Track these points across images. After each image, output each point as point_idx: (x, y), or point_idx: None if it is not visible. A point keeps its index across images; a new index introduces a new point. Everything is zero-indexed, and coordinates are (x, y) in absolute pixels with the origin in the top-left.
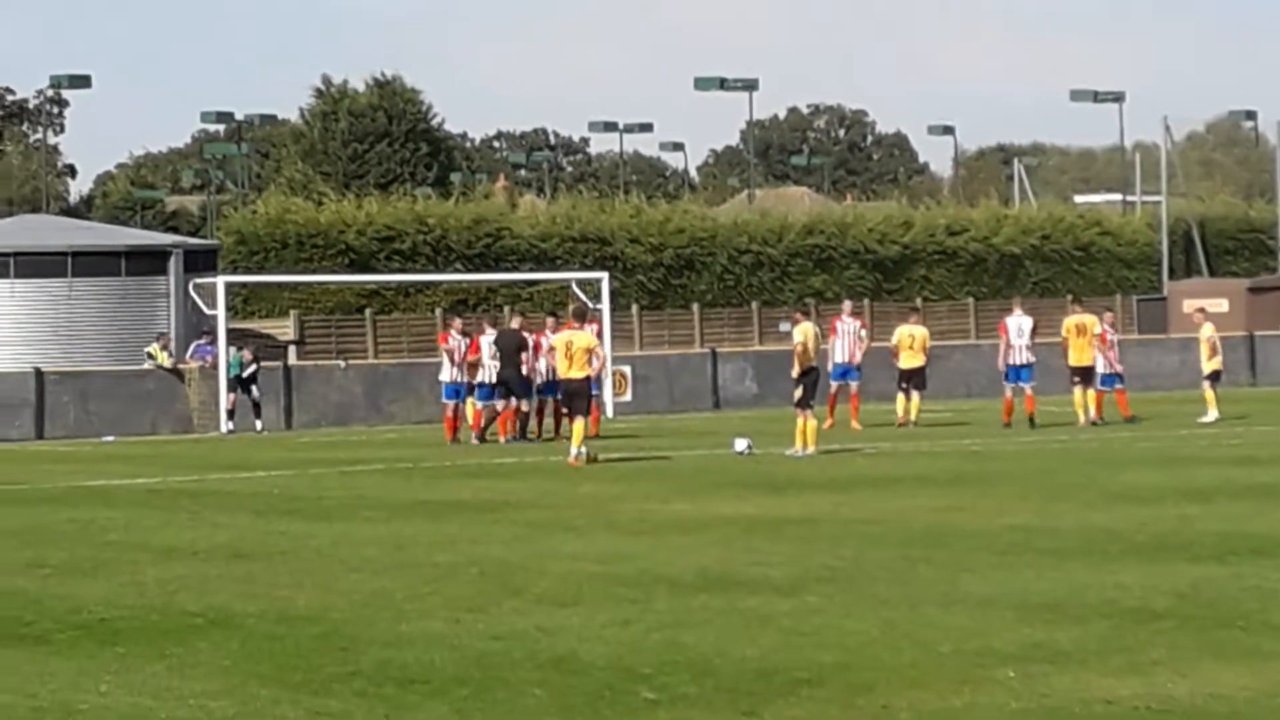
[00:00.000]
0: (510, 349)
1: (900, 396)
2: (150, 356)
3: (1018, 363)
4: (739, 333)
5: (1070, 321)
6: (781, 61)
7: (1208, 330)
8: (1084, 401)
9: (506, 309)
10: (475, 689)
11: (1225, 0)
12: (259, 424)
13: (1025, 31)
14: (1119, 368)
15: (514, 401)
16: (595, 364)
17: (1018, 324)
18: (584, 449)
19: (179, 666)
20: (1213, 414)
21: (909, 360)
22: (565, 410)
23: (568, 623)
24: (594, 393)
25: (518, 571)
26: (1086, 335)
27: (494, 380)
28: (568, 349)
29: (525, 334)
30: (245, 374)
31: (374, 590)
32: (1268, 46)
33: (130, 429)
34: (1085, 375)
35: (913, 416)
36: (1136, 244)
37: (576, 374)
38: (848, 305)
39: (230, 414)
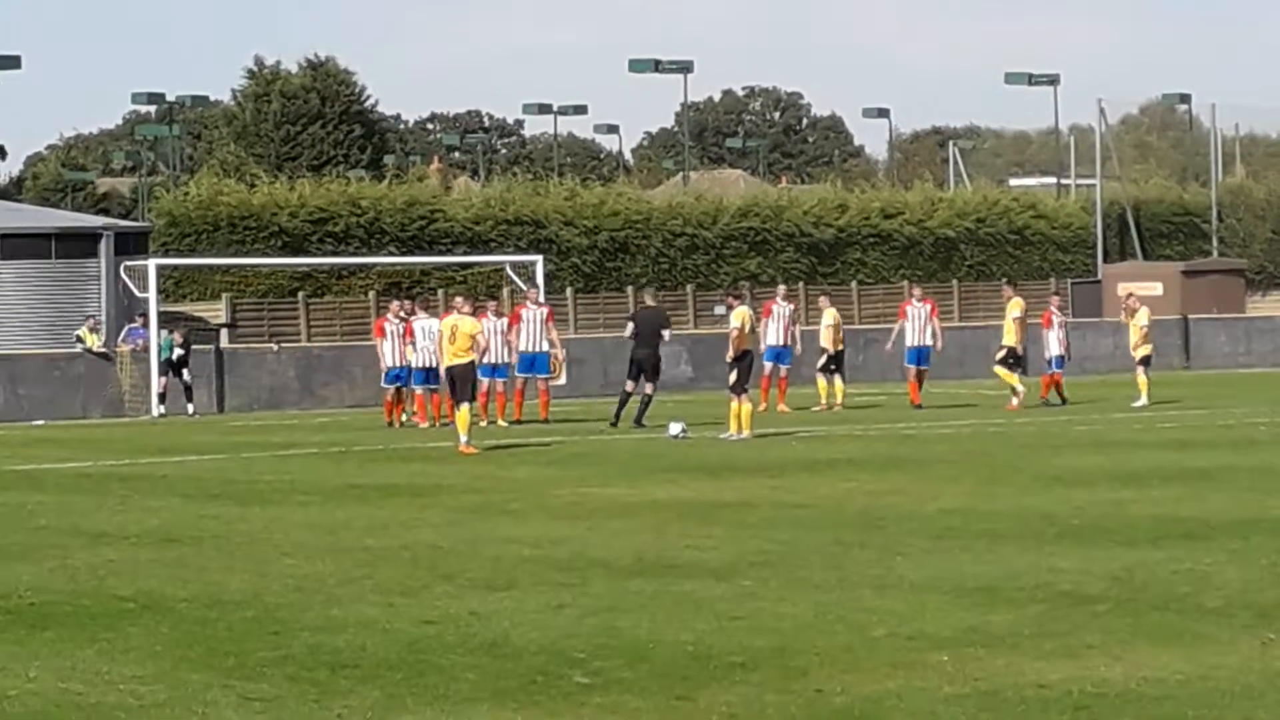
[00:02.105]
0: (650, 329)
1: (832, 380)
2: (79, 340)
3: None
4: (673, 316)
5: (1020, 303)
6: (716, 44)
7: (1144, 317)
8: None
9: (441, 291)
10: (407, 673)
11: None
12: (191, 408)
13: (960, 14)
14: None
15: (641, 384)
16: (477, 350)
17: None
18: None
19: (109, 651)
20: (1144, 399)
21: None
22: (452, 395)
23: (501, 607)
24: (545, 375)
25: (451, 556)
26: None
27: (429, 365)
28: (452, 333)
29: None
30: (176, 357)
31: (306, 575)
32: (1202, 29)
33: (60, 413)
34: (1020, 358)
35: (839, 400)
36: (1071, 227)
37: (460, 359)
38: (782, 289)
39: (162, 398)
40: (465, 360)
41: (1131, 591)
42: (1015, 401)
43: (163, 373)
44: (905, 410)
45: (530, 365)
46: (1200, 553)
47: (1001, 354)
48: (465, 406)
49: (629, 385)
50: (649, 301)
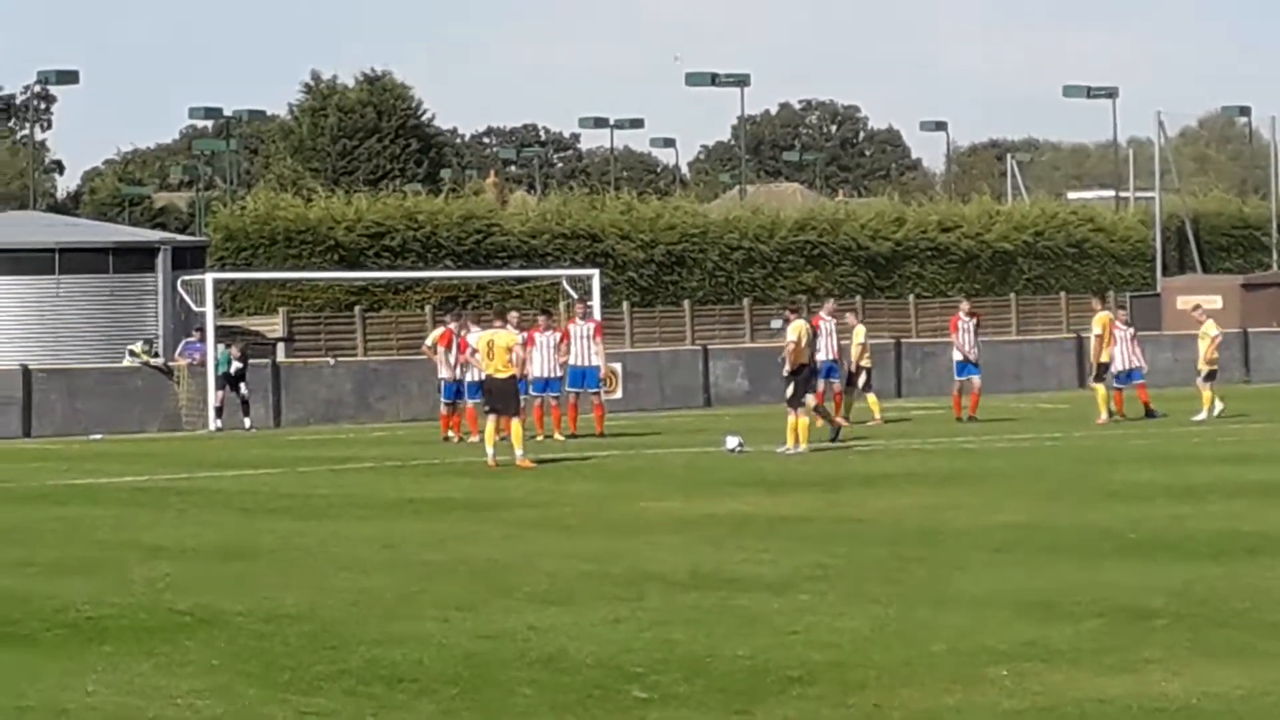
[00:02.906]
0: (810, 338)
1: (851, 395)
2: (132, 354)
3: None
4: (730, 330)
5: (1106, 317)
6: (773, 57)
7: (1212, 328)
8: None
9: (495, 304)
10: (464, 688)
11: None
12: (247, 421)
13: (1018, 27)
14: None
15: (808, 401)
16: (515, 362)
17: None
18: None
19: (167, 665)
20: (1205, 414)
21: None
22: (491, 411)
23: (558, 621)
24: (595, 389)
25: (508, 570)
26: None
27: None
28: (489, 348)
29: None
30: (234, 371)
31: (363, 589)
32: (1261, 42)
33: (118, 426)
34: (1107, 371)
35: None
36: (1130, 240)
37: (500, 373)
38: (830, 304)
39: (219, 412)
40: (506, 375)
41: (1191, 606)
42: (1103, 418)
43: (220, 387)
44: (963, 425)
45: (580, 379)
46: (1261, 568)
47: (1095, 371)
48: (517, 421)
49: (811, 400)
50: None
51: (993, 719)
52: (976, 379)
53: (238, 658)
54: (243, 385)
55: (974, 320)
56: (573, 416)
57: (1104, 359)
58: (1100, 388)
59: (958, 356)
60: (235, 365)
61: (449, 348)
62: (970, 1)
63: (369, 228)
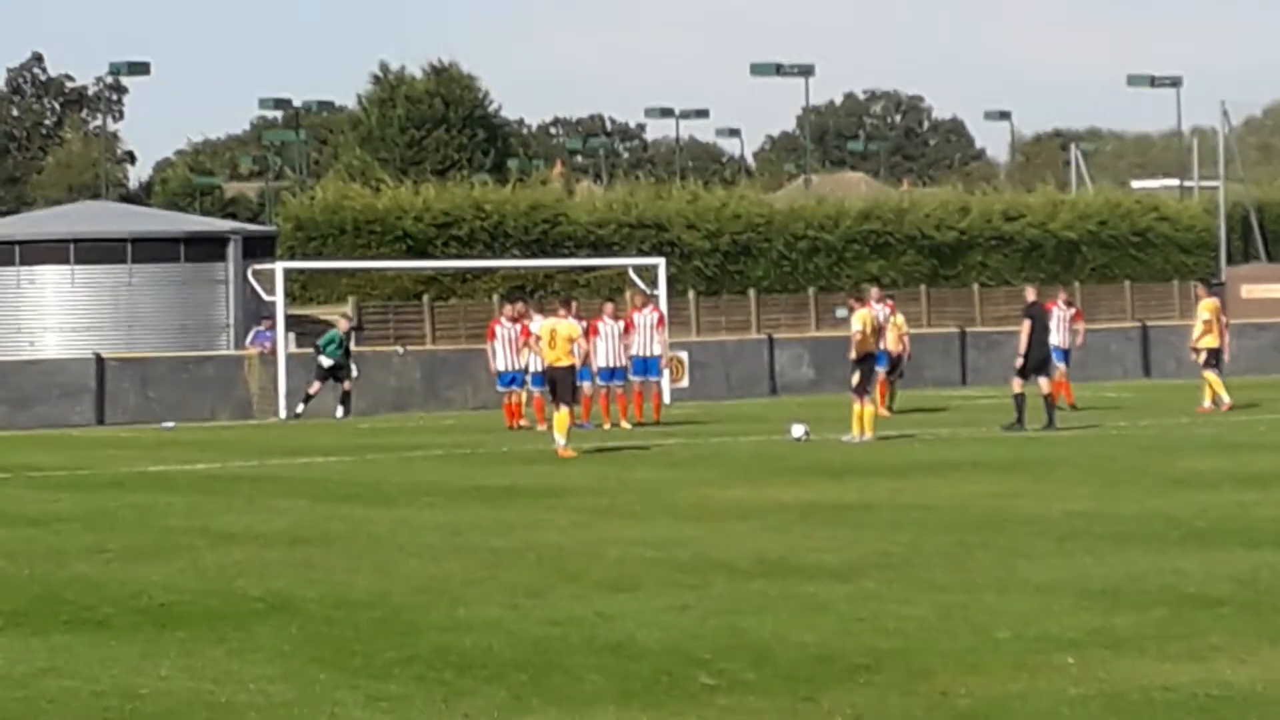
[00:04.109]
0: (1044, 324)
1: (893, 384)
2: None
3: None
4: (795, 318)
5: (1213, 304)
6: (838, 47)
7: None
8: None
9: (561, 293)
10: (533, 674)
11: None
12: (340, 410)
13: (1082, 16)
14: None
15: (1044, 382)
16: (577, 353)
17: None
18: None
19: (239, 651)
20: None
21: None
22: (552, 398)
23: (625, 608)
24: (657, 378)
25: (575, 557)
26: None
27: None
28: (552, 337)
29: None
30: (337, 362)
31: (432, 575)
32: None
33: (190, 414)
34: (1218, 358)
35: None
36: (1194, 229)
37: (560, 362)
38: (875, 291)
39: (307, 399)
40: (566, 364)
41: (1256, 594)
42: (1207, 405)
43: (321, 379)
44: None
45: (644, 368)
46: None
47: (1203, 358)
48: (565, 409)
49: (1018, 385)
50: (1032, 296)
51: (1058, 706)
52: (1062, 367)
53: (309, 643)
54: (351, 375)
55: (1071, 310)
56: (638, 405)
57: (1212, 344)
58: (1211, 376)
59: (1055, 341)
60: (329, 361)
61: (494, 339)
62: None
63: (437, 217)
